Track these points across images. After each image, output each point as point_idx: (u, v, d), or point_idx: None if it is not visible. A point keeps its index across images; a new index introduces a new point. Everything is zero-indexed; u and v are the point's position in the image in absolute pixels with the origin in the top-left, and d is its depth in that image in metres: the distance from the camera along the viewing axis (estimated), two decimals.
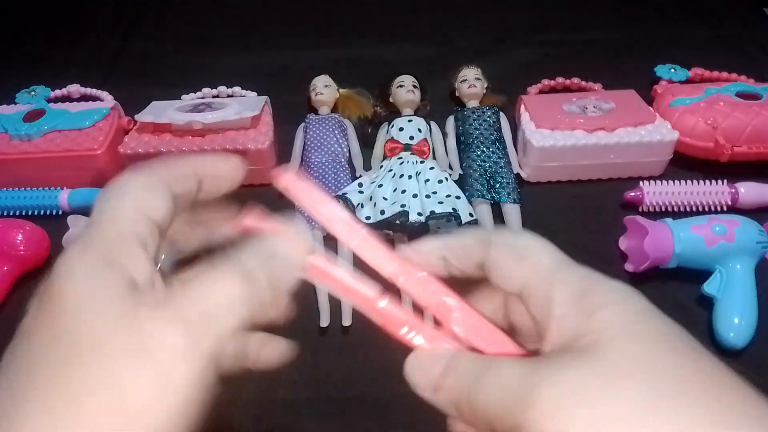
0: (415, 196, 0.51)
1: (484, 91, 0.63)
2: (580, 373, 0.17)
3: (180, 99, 0.65)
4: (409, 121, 0.58)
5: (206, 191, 0.24)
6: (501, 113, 0.61)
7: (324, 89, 0.63)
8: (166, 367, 0.17)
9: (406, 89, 0.62)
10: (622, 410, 0.16)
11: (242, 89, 0.68)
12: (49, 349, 0.17)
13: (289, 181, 0.25)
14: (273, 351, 0.28)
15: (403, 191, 0.51)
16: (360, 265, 0.24)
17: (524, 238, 0.22)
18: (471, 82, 0.63)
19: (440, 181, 0.52)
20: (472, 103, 0.62)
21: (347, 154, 0.59)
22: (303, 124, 0.61)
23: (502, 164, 0.56)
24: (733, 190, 0.53)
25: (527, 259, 0.21)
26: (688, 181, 0.53)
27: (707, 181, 0.53)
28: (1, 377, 0.18)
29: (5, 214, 0.55)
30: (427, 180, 0.52)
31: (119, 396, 0.16)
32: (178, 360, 0.17)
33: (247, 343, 0.27)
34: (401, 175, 0.53)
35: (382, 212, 0.49)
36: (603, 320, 0.18)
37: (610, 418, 0.16)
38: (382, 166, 0.56)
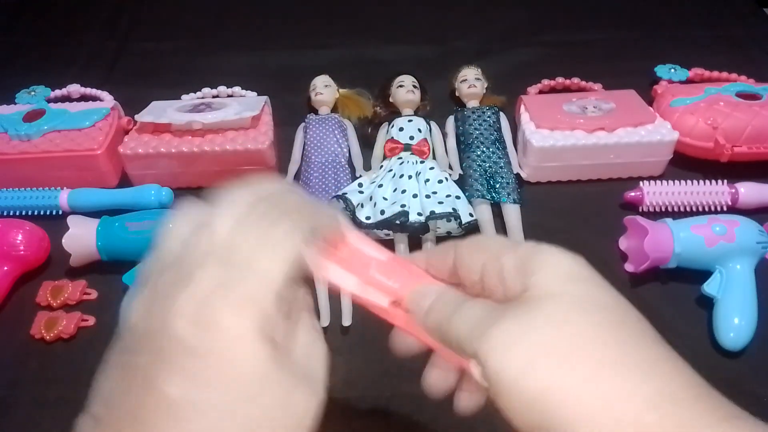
0: (415, 196, 0.51)
1: (484, 91, 0.63)
2: (517, 319, 0.22)
3: (180, 99, 0.65)
4: (409, 121, 0.58)
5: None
6: (501, 113, 0.61)
7: (324, 89, 0.63)
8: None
9: (406, 89, 0.62)
10: (547, 348, 0.21)
11: (242, 89, 0.68)
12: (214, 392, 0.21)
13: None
14: None
15: (403, 191, 0.51)
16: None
17: (480, 237, 0.28)
18: (471, 82, 0.63)
19: (440, 181, 0.52)
20: (472, 103, 0.62)
21: (347, 155, 0.59)
22: (303, 124, 0.61)
23: (502, 164, 0.56)
24: (733, 191, 0.53)
25: (482, 247, 0.26)
26: (688, 182, 0.53)
27: (707, 182, 0.53)
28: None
29: (5, 214, 0.55)
30: (427, 180, 0.52)
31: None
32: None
33: None
34: (401, 175, 0.53)
35: (382, 212, 0.49)
36: (536, 281, 0.23)
37: (536, 353, 0.21)
38: (382, 166, 0.56)
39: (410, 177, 0.52)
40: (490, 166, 0.55)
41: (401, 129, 0.57)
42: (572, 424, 0.20)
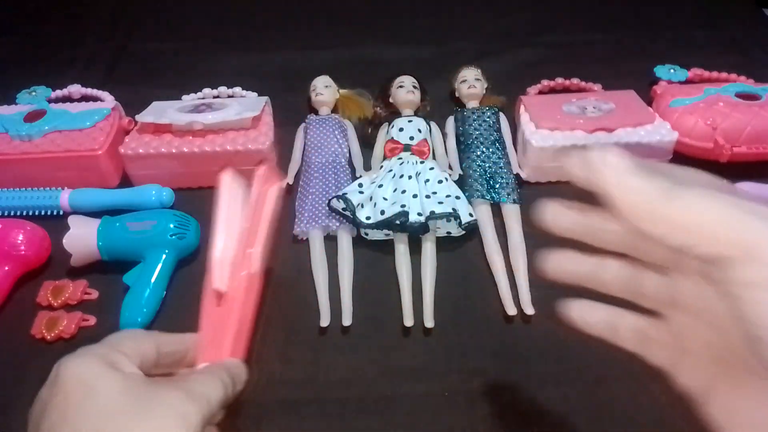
0: (415, 196, 0.51)
1: (484, 91, 0.63)
2: None
3: (180, 99, 0.65)
4: (409, 121, 0.58)
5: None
6: (501, 114, 0.61)
7: (324, 90, 0.63)
8: (193, 428, 0.27)
9: (406, 90, 0.62)
10: None
11: (243, 90, 0.68)
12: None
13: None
14: None
15: (403, 191, 0.51)
16: None
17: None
18: (471, 82, 0.63)
19: (440, 182, 0.52)
20: (472, 104, 0.62)
21: (347, 155, 0.59)
22: (303, 125, 0.61)
23: (501, 165, 0.56)
24: None
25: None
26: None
27: None
28: None
29: (6, 214, 0.55)
30: (427, 180, 0.52)
31: None
32: (200, 422, 0.27)
33: None
34: (401, 176, 0.53)
35: (382, 212, 0.49)
36: None
37: None
38: (382, 167, 0.56)
39: (410, 177, 0.52)
40: (489, 167, 0.56)
41: (401, 129, 0.57)
42: None
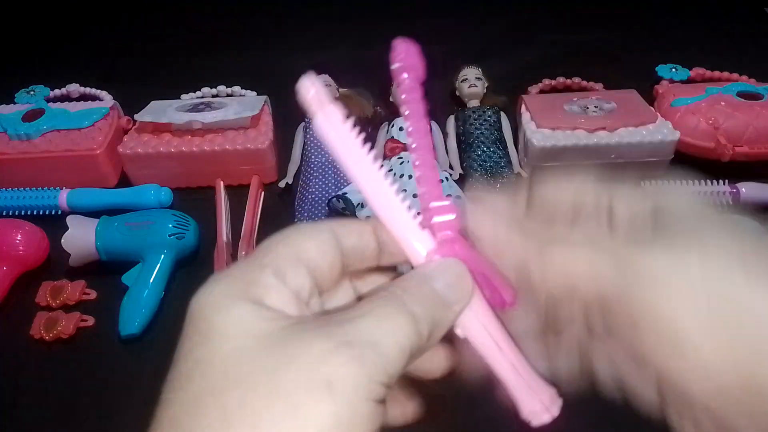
0: (415, 196, 0.50)
1: (485, 90, 0.63)
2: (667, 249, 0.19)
3: (179, 99, 0.65)
4: None
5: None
6: (502, 113, 0.61)
7: (324, 89, 0.63)
8: (345, 398, 0.16)
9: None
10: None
11: (242, 89, 0.68)
12: (215, 383, 0.17)
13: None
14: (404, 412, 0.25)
15: (404, 191, 0.50)
16: None
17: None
18: (472, 81, 0.63)
19: (441, 181, 0.52)
20: (473, 103, 0.62)
21: None
22: (303, 124, 0.61)
23: (502, 164, 0.56)
24: (735, 190, 0.53)
25: (569, 187, 0.23)
26: (689, 181, 0.53)
27: (708, 181, 0.53)
28: (168, 412, 0.17)
29: (4, 214, 0.54)
30: None
31: (300, 427, 0.15)
32: (356, 389, 0.16)
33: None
34: (401, 175, 0.52)
35: None
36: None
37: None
38: (382, 166, 0.55)
39: (410, 177, 0.52)
40: (491, 166, 0.55)
41: (401, 129, 0.57)
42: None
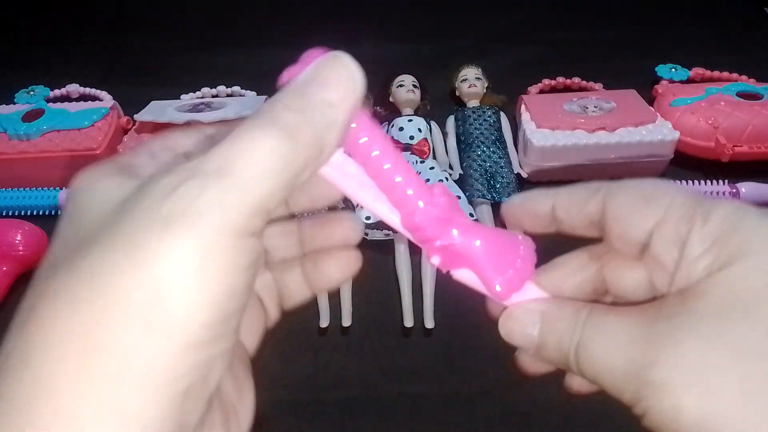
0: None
1: (485, 90, 0.63)
2: (699, 345, 0.15)
3: (179, 99, 0.65)
4: (409, 120, 0.58)
5: None
6: (501, 113, 0.61)
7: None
8: (189, 234, 0.14)
9: (406, 89, 0.61)
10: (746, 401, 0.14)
11: (241, 89, 0.68)
12: (71, 245, 0.16)
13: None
14: (336, 266, 0.23)
15: None
16: None
17: (649, 182, 0.19)
18: (471, 81, 0.63)
19: (440, 181, 0.52)
20: (473, 103, 0.62)
21: None
22: None
23: (502, 164, 0.56)
24: (734, 190, 0.53)
25: (657, 200, 0.18)
26: (689, 181, 0.53)
27: (708, 181, 0.53)
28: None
29: (4, 214, 0.54)
30: (428, 180, 0.52)
31: (146, 273, 0.14)
32: (205, 222, 0.14)
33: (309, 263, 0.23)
34: None
35: None
36: (739, 276, 0.15)
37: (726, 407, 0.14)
38: None
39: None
40: (490, 166, 0.55)
41: (401, 129, 0.57)
42: None
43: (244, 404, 0.19)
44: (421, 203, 0.19)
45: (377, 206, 0.19)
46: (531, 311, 0.19)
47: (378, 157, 0.18)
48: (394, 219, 0.20)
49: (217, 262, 0.14)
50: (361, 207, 0.51)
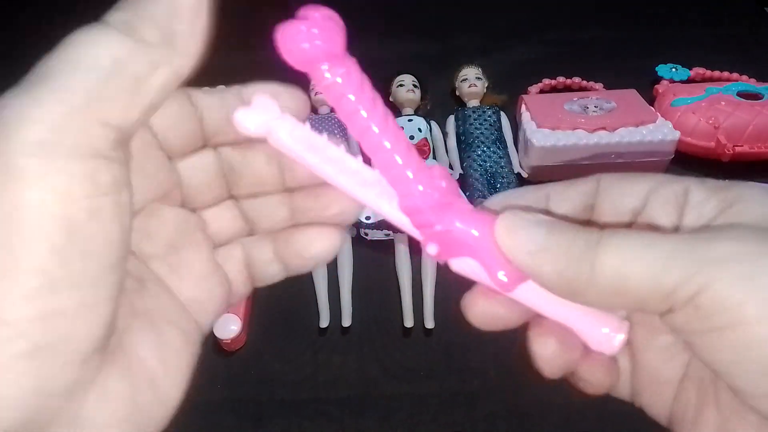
0: None
1: (485, 90, 0.63)
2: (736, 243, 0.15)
3: None
4: (409, 120, 0.58)
5: None
6: (502, 113, 0.61)
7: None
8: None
9: (406, 88, 0.61)
10: None
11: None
12: None
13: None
14: (315, 244, 0.21)
15: None
16: None
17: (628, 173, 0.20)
18: (471, 81, 0.63)
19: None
20: (473, 103, 0.62)
21: None
22: (308, 121, 0.61)
23: (502, 164, 0.56)
24: None
25: (649, 175, 0.19)
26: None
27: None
28: None
29: None
30: None
31: None
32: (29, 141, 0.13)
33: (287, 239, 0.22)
34: None
35: None
36: (743, 210, 0.16)
37: None
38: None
39: None
40: (490, 166, 0.55)
41: (401, 128, 0.57)
42: None
43: (170, 377, 0.17)
44: (420, 187, 0.18)
45: (365, 193, 0.19)
46: (538, 215, 0.18)
47: (377, 136, 0.18)
48: (384, 204, 0.19)
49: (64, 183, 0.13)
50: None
